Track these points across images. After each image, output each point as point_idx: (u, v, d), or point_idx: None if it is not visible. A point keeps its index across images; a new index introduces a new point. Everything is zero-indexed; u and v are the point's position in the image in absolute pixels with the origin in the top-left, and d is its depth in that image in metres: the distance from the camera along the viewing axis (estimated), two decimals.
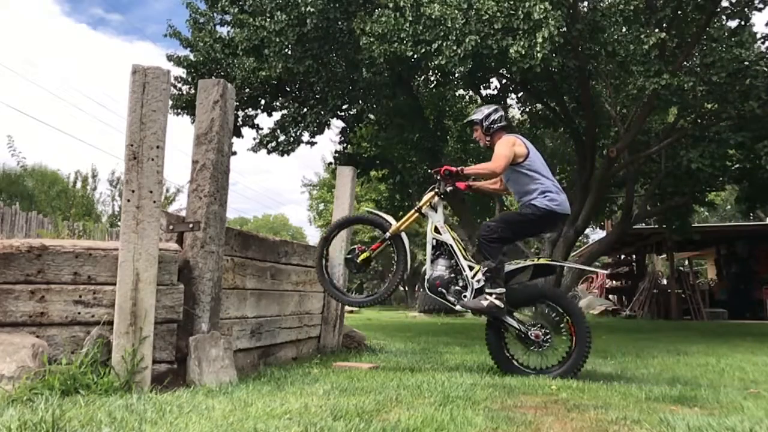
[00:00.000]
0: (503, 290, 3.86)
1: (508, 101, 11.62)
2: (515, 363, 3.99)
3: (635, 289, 18.82)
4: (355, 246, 4.41)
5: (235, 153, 11.50)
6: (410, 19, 7.18)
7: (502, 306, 3.84)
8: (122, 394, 2.71)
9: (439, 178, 4.13)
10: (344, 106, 11.11)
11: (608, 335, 9.26)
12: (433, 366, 4.45)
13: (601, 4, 7.96)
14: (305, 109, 10.32)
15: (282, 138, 10.74)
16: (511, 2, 6.72)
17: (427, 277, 4.11)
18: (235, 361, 3.51)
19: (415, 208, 4.22)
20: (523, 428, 2.30)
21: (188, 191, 3.57)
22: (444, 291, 4.02)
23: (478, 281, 3.96)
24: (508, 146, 4.04)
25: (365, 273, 4.45)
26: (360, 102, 11.06)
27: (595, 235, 27.74)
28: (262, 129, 11.15)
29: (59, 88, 60.37)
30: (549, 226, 4.38)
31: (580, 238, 13.80)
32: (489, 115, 4.25)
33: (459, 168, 4.08)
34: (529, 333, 3.89)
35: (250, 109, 10.95)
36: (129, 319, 2.92)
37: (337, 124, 12.17)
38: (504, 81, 10.73)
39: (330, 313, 5.45)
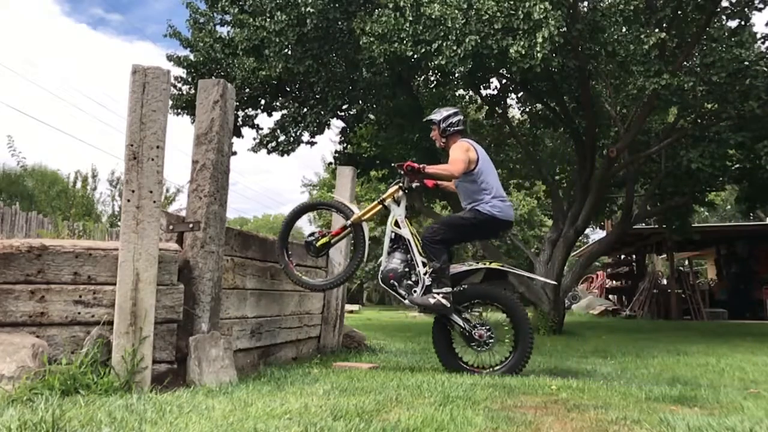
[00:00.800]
0: (449, 289, 3.97)
1: (508, 101, 11.62)
2: (460, 360, 4.10)
3: (635, 289, 18.83)
4: (317, 230, 4.45)
5: (235, 153, 11.50)
6: (410, 19, 7.18)
7: (448, 305, 3.95)
8: (122, 394, 2.71)
9: (402, 173, 4.20)
10: (344, 106, 11.11)
11: (608, 335, 9.26)
12: (433, 366, 4.45)
13: (601, 4, 7.96)
14: (305, 109, 10.31)
15: (282, 138, 10.73)
16: (511, 2, 6.72)
17: (381, 267, 4.21)
18: (235, 361, 3.51)
19: (379, 200, 4.28)
20: (523, 428, 2.30)
21: (188, 191, 3.57)
22: (396, 284, 4.12)
23: (429, 279, 4.04)
24: (463, 151, 4.15)
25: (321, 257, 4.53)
26: (360, 102, 11.06)
27: (595, 235, 27.77)
28: (262, 129, 11.15)
29: (59, 88, 60.43)
30: (491, 232, 4.49)
31: (580, 238, 13.79)
32: (448, 117, 4.35)
33: (421, 166, 4.14)
34: (473, 332, 4.01)
35: (250, 109, 10.95)
36: (129, 319, 2.92)
37: (337, 124, 12.17)
38: (504, 81, 10.72)
39: (330, 313, 5.45)
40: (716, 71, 7.54)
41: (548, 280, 4.69)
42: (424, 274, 4.07)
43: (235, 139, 10.88)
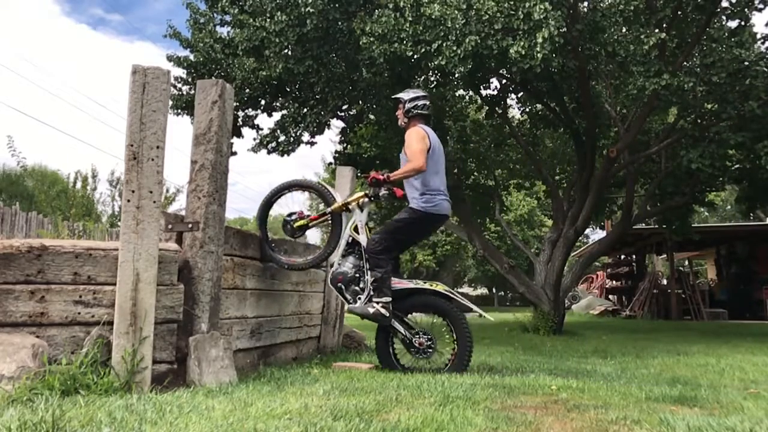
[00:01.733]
0: (389, 299, 3.99)
1: (508, 101, 11.62)
2: (401, 367, 4.13)
3: (635, 290, 18.83)
4: (296, 211, 4.46)
5: (235, 153, 11.48)
6: (410, 19, 7.18)
7: (387, 314, 3.98)
8: (122, 394, 2.71)
9: (369, 184, 4.19)
10: (344, 107, 11.10)
11: (608, 335, 9.26)
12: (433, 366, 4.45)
13: (601, 5, 7.96)
14: (305, 110, 10.31)
15: (282, 138, 10.73)
16: (511, 2, 6.72)
17: (333, 269, 4.24)
18: (235, 361, 3.51)
19: (343, 202, 4.29)
20: (523, 428, 2.30)
21: (187, 191, 3.57)
22: (343, 287, 4.15)
23: (377, 303, 4.04)
24: (419, 140, 4.14)
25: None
26: (360, 102, 11.05)
27: (595, 235, 27.81)
28: (262, 129, 11.14)
29: (59, 88, 60.34)
30: (428, 228, 4.49)
31: (580, 238, 13.79)
32: (415, 98, 4.37)
33: (386, 176, 4.14)
34: (414, 341, 4.04)
35: (250, 110, 10.95)
36: (129, 319, 2.92)
37: (337, 124, 12.16)
38: (504, 81, 10.72)
39: (330, 313, 5.45)
40: (716, 71, 7.55)
41: (485, 315, 4.64)
42: (374, 302, 4.04)
43: (235, 139, 10.87)
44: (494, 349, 6.39)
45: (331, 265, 4.38)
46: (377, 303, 3.98)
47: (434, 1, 6.98)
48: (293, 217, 4.40)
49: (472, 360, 4.16)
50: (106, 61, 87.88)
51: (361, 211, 4.24)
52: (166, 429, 2.11)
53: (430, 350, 4.05)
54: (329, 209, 4.27)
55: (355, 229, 4.22)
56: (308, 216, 4.41)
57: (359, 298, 4.09)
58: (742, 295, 17.47)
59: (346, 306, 4.16)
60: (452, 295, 4.15)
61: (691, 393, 3.19)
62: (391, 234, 4.16)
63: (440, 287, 4.15)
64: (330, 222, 4.35)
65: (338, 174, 5.83)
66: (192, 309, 3.34)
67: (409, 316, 4.15)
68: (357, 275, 4.15)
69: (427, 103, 4.41)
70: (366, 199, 4.23)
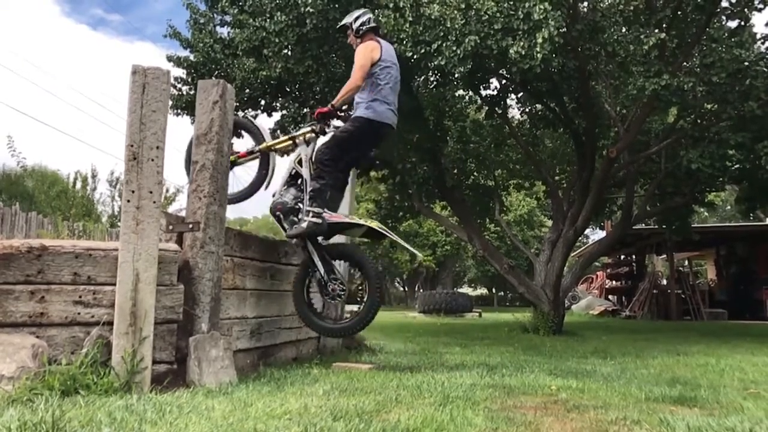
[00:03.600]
0: (321, 210, 4.05)
1: (508, 101, 11.61)
2: (312, 311, 4.24)
3: (635, 290, 18.82)
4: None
5: (235, 153, 11.47)
6: (410, 19, 7.17)
7: (321, 221, 4.02)
8: (122, 394, 2.71)
9: (316, 120, 4.32)
10: (344, 107, 11.09)
11: (608, 335, 9.26)
12: (433, 366, 4.45)
13: (601, 5, 7.95)
14: (305, 110, 10.30)
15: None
16: (511, 2, 6.71)
17: (274, 199, 4.31)
18: (235, 361, 3.51)
19: (290, 136, 4.40)
20: (523, 428, 2.30)
21: (188, 191, 3.58)
22: (282, 216, 4.22)
23: (307, 213, 4.12)
24: (365, 53, 4.22)
25: None
26: None
27: (595, 235, 27.79)
28: None
29: (59, 88, 60.33)
30: (373, 138, 4.47)
31: (580, 238, 13.78)
32: (358, 17, 4.46)
33: (330, 106, 4.27)
34: (328, 285, 4.13)
35: (250, 110, 10.93)
36: (129, 320, 2.92)
37: (337, 124, 12.15)
38: (504, 81, 10.70)
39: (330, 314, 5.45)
40: (716, 72, 7.53)
41: (416, 252, 4.77)
42: (305, 212, 4.12)
43: (235, 140, 10.85)
44: (494, 349, 6.39)
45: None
46: (309, 212, 4.03)
47: (434, 2, 6.98)
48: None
49: (473, 360, 4.16)
50: (106, 61, 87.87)
51: (307, 145, 4.33)
52: (166, 429, 2.11)
53: (339, 298, 4.16)
54: (257, 147, 4.38)
55: (299, 162, 4.31)
56: (236, 153, 4.46)
57: (295, 227, 4.15)
58: (742, 295, 17.47)
59: (285, 232, 4.21)
60: (386, 233, 4.26)
61: (691, 393, 3.19)
62: (337, 144, 4.24)
63: (374, 224, 4.25)
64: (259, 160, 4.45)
65: None
66: (192, 309, 3.34)
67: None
68: (297, 206, 4.24)
69: (371, 17, 4.51)
70: (313, 134, 4.33)
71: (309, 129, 4.34)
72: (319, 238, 4.19)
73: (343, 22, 4.55)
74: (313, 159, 4.20)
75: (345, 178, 4.48)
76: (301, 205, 4.21)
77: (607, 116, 10.25)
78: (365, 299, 4.09)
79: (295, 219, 4.18)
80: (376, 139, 4.54)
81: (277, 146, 4.38)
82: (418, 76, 10.08)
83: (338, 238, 4.70)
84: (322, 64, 9.24)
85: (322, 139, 4.33)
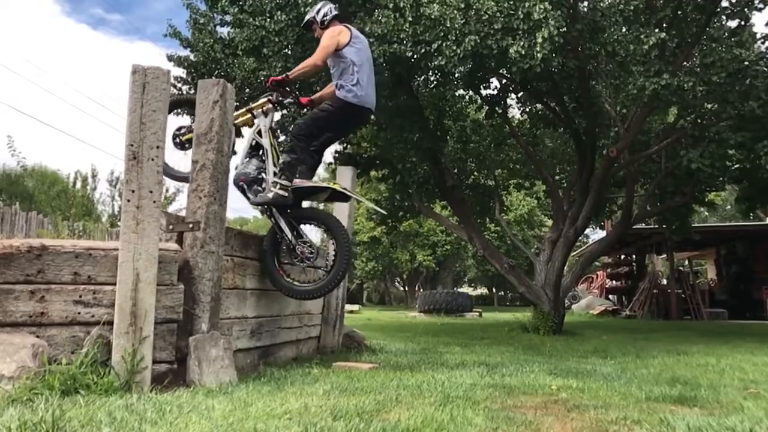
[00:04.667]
0: (289, 183, 4.09)
1: (508, 101, 11.61)
2: (285, 276, 4.26)
3: (635, 289, 18.82)
4: (185, 125, 4.55)
5: (235, 153, 11.47)
6: (410, 19, 7.17)
7: (287, 194, 4.07)
8: (122, 394, 2.71)
9: (270, 88, 4.38)
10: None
11: (608, 335, 9.26)
12: (433, 366, 4.45)
13: (601, 4, 7.95)
14: (305, 109, 10.29)
15: (282, 138, 10.72)
16: (511, 2, 6.71)
17: (236, 170, 4.35)
18: (235, 361, 3.51)
19: (247, 108, 4.46)
20: (523, 428, 2.30)
21: (188, 191, 3.57)
22: (245, 187, 4.29)
23: (274, 185, 4.16)
24: (331, 36, 4.29)
25: None
26: None
27: (595, 235, 27.79)
28: None
29: (59, 88, 60.32)
30: (351, 120, 4.54)
31: (580, 238, 13.78)
32: (320, 10, 4.55)
33: (285, 75, 4.34)
34: (296, 248, 4.16)
35: None
36: (129, 319, 2.92)
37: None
38: (504, 81, 10.70)
39: (330, 313, 5.45)
40: (716, 71, 7.53)
41: (379, 209, 4.89)
42: (272, 183, 4.15)
43: (235, 139, 10.85)
44: (494, 349, 6.39)
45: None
46: (276, 185, 4.07)
47: (434, 1, 6.97)
48: (182, 131, 4.49)
49: (473, 360, 4.16)
50: (106, 61, 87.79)
51: (265, 116, 4.40)
52: (166, 429, 2.11)
53: (308, 261, 4.16)
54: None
55: (259, 133, 4.37)
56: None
57: (260, 196, 4.20)
58: (742, 295, 17.47)
59: (250, 201, 4.26)
60: (348, 193, 4.33)
61: (691, 393, 3.19)
62: (314, 121, 4.32)
63: (336, 186, 4.30)
64: None
65: (338, 174, 5.85)
66: (192, 309, 3.34)
67: (300, 226, 4.28)
68: (260, 176, 4.28)
69: (332, 6, 4.57)
70: (270, 105, 4.39)
71: (265, 100, 4.40)
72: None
73: (307, 18, 4.64)
74: (290, 132, 4.29)
75: (318, 159, 4.50)
76: (264, 175, 4.27)
77: (607, 116, 10.25)
78: (335, 260, 4.16)
79: (260, 189, 4.24)
80: (354, 121, 4.65)
81: (236, 121, 4.41)
82: (418, 76, 10.08)
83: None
84: None
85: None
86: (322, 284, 4.16)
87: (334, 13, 4.53)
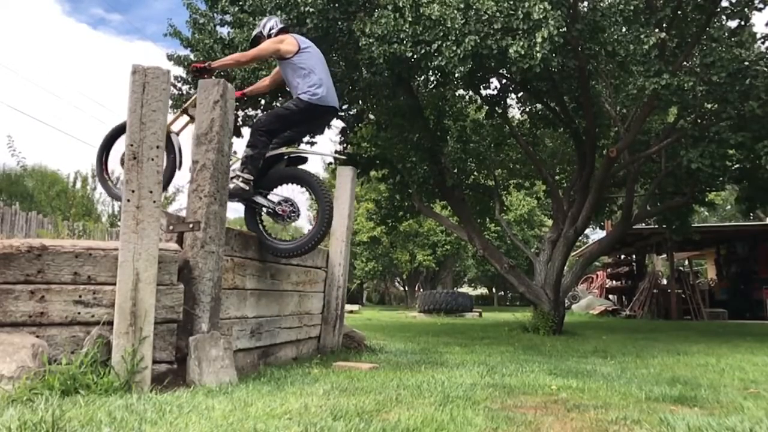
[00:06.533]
0: (251, 177, 4.17)
1: (508, 101, 11.61)
2: (269, 237, 4.33)
3: (635, 289, 18.82)
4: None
5: (235, 153, 11.48)
6: (410, 19, 7.17)
7: (248, 188, 4.16)
8: (122, 394, 2.71)
9: (192, 77, 4.42)
10: (344, 107, 11.09)
11: (608, 335, 9.26)
12: (433, 366, 4.45)
13: (601, 4, 7.95)
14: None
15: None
16: (511, 2, 6.71)
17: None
18: (235, 361, 3.51)
19: (182, 109, 4.49)
20: (523, 428, 2.30)
21: (188, 191, 3.57)
22: None
23: (237, 177, 4.21)
24: (272, 42, 4.42)
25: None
26: (360, 102, 11.03)
27: (595, 235, 27.80)
28: None
29: (59, 88, 60.30)
30: (315, 119, 4.61)
31: (580, 238, 13.78)
32: (265, 24, 4.67)
33: (207, 63, 4.36)
34: (277, 209, 4.24)
35: (250, 109, 10.93)
36: (129, 319, 2.92)
37: (337, 124, 12.16)
38: (504, 81, 10.71)
39: (330, 313, 5.45)
40: (716, 71, 7.53)
41: (337, 156, 5.01)
42: (235, 176, 4.19)
43: (235, 139, 10.85)
44: (494, 349, 6.39)
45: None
46: (238, 178, 4.14)
47: (434, 2, 6.97)
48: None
49: (473, 360, 4.16)
50: (106, 61, 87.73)
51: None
52: (166, 429, 2.11)
53: (294, 214, 4.24)
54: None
55: None
56: None
57: None
58: (742, 294, 17.46)
59: None
60: (302, 153, 4.47)
61: (691, 393, 3.19)
62: (277, 117, 4.44)
63: (289, 149, 4.42)
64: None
65: (338, 174, 5.84)
66: (192, 309, 3.34)
67: (276, 190, 4.34)
68: None
69: (277, 20, 4.73)
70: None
71: (194, 98, 4.45)
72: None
73: (254, 33, 4.73)
74: (252, 126, 4.34)
75: (279, 156, 4.55)
76: None
77: (607, 116, 10.25)
78: (317, 217, 4.23)
79: None
80: (318, 121, 4.75)
81: (174, 124, 4.44)
82: (418, 76, 10.08)
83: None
84: None
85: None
86: (303, 241, 4.23)
87: (280, 26, 4.66)
